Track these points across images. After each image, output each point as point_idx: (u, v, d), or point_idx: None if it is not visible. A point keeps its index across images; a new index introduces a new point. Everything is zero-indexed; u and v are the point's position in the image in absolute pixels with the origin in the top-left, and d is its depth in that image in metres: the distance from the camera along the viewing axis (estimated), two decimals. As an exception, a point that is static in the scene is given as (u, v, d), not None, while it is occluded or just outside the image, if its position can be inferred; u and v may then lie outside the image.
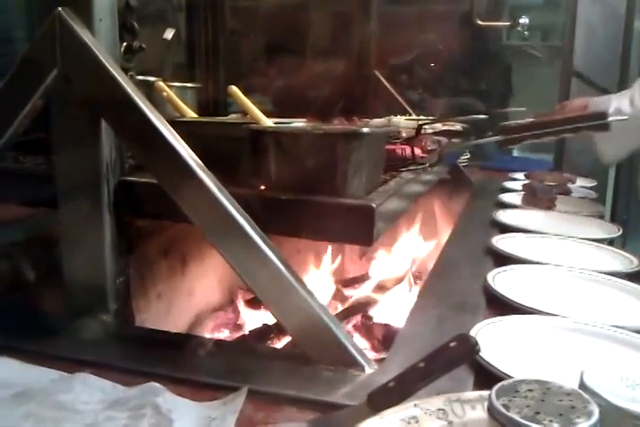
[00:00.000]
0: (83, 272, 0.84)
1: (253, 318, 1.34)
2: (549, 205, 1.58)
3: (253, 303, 1.36)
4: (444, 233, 1.58)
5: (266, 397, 0.66)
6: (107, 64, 0.77)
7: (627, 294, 0.99)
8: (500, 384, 0.49)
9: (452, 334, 0.61)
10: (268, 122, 0.92)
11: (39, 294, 0.99)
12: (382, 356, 0.96)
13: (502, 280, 1.01)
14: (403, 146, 1.17)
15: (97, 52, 0.77)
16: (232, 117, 1.42)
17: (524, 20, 1.85)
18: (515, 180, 1.99)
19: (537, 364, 0.74)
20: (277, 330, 1.21)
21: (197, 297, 1.30)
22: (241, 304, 1.38)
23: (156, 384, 0.66)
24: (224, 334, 1.31)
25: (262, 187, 0.83)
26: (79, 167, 0.82)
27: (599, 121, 1.25)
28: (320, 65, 2.47)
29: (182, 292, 1.24)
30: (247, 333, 1.28)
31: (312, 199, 0.78)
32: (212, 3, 1.86)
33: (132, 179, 0.85)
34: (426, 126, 1.40)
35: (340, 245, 1.70)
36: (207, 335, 1.28)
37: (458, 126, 1.69)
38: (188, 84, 1.43)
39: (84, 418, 0.60)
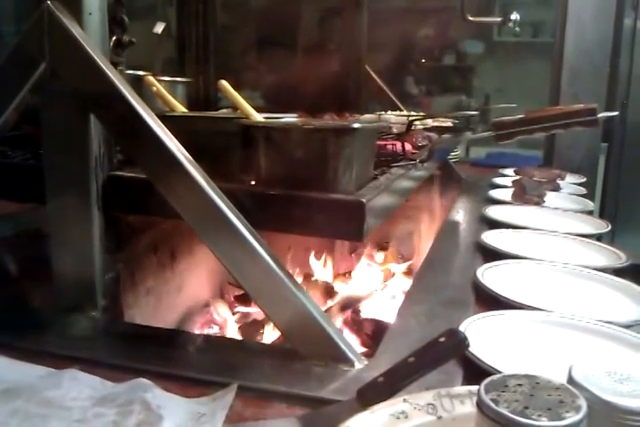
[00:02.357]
0: (71, 268, 0.83)
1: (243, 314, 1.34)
2: (538, 201, 1.59)
3: (243, 299, 1.36)
4: (434, 229, 1.59)
5: (255, 393, 0.66)
6: (96, 58, 0.77)
7: (614, 290, 0.99)
8: (489, 379, 0.49)
9: (442, 329, 0.61)
10: (259, 117, 0.92)
11: (27, 290, 0.98)
12: (372, 351, 0.96)
13: (491, 276, 1.01)
14: (393, 142, 1.17)
15: (86, 47, 0.76)
16: (222, 112, 1.41)
17: (515, 16, 1.85)
18: (504, 176, 1.99)
19: (526, 359, 0.75)
20: (267, 326, 1.21)
21: (187, 293, 1.29)
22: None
23: (145, 380, 0.65)
24: (213, 330, 1.31)
25: (252, 182, 0.83)
26: (68, 162, 0.81)
27: (589, 117, 1.26)
28: (311, 60, 2.46)
29: (172, 287, 1.24)
30: (237, 328, 1.28)
31: (302, 195, 0.78)
32: (203, -3, 1.86)
33: (121, 174, 0.85)
34: (416, 122, 1.40)
35: (331, 240, 1.71)
36: (196, 331, 1.28)
37: (448, 122, 1.69)
38: (178, 79, 1.42)
39: (73, 415, 0.60)
